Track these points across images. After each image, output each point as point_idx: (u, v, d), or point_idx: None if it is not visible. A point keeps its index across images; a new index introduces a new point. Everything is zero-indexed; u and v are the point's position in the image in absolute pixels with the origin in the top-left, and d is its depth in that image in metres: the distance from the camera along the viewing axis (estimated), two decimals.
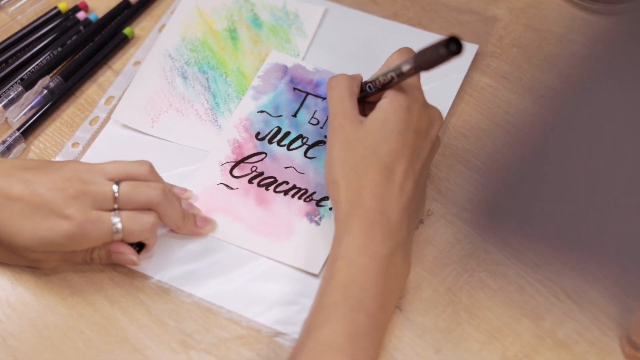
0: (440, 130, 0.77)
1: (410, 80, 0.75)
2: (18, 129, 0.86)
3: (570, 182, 0.61)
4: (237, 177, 0.82)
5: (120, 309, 0.76)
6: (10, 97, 0.87)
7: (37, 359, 0.74)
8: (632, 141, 0.60)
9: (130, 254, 0.75)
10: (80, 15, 0.96)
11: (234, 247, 0.79)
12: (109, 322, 0.75)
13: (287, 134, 0.85)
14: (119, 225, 0.73)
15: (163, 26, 0.95)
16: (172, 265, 0.78)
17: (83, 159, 0.85)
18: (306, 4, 0.96)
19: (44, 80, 0.89)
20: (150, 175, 0.76)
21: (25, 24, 0.95)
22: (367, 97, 0.78)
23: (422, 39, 0.91)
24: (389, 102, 0.75)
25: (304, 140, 0.84)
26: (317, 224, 0.80)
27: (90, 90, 0.91)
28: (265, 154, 0.84)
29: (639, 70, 0.61)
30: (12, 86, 0.89)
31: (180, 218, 0.77)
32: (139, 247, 0.76)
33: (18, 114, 0.87)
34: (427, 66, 0.72)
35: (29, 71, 0.90)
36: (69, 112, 0.89)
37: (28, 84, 0.88)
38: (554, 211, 0.62)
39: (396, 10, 0.96)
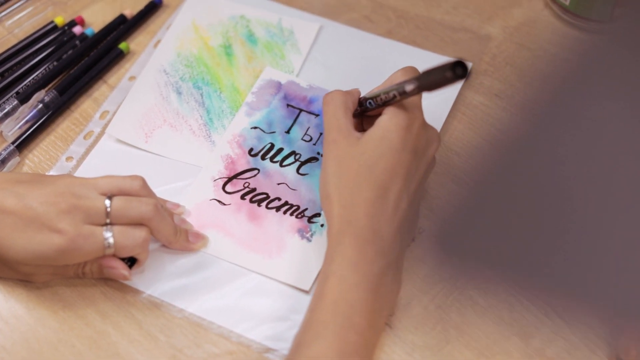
0: (437, 151, 0.78)
1: (412, 99, 0.75)
2: (13, 143, 0.86)
3: (560, 200, 0.61)
4: (229, 193, 0.83)
5: (112, 323, 0.76)
6: (6, 110, 0.88)
7: None
8: (625, 161, 0.60)
9: (121, 268, 0.75)
10: (77, 29, 0.96)
11: (226, 262, 0.79)
12: (100, 336, 0.75)
13: (280, 150, 0.85)
14: (111, 240, 0.73)
15: (159, 41, 0.95)
16: (163, 280, 0.78)
17: (77, 173, 0.85)
18: (301, 21, 0.96)
19: (39, 94, 0.90)
20: (143, 190, 0.76)
21: (22, 37, 0.96)
22: (367, 112, 0.79)
23: (416, 57, 0.93)
24: (389, 119, 0.75)
25: (297, 157, 0.85)
26: (309, 240, 0.80)
27: (85, 105, 0.91)
28: (258, 170, 0.84)
29: (633, 89, 0.61)
30: (7, 100, 0.89)
31: (172, 233, 0.77)
32: (131, 261, 0.76)
33: (13, 128, 0.87)
34: (430, 87, 0.72)
35: (25, 85, 0.91)
36: (63, 126, 0.89)
37: (23, 98, 0.89)
38: (542, 230, 0.62)
39: (391, 28, 0.96)
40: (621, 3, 0.90)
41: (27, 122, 0.88)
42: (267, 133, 0.87)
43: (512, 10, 0.98)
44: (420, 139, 0.75)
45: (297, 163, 0.84)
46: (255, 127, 0.87)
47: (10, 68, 0.93)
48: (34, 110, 0.89)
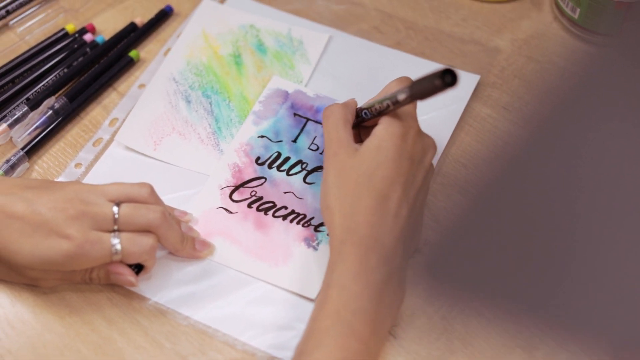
0: (433, 158, 0.78)
1: (406, 108, 0.76)
2: (22, 149, 0.87)
3: (566, 217, 0.61)
4: (236, 201, 0.83)
5: (117, 330, 0.76)
6: (16, 116, 0.88)
7: None
8: (634, 177, 0.60)
9: (128, 275, 0.76)
10: (88, 37, 0.97)
11: (232, 270, 0.79)
12: (106, 342, 0.76)
13: (287, 159, 0.86)
14: (118, 247, 0.74)
15: (169, 50, 0.96)
16: (169, 287, 0.78)
17: (85, 180, 0.86)
18: (311, 31, 0.97)
19: (50, 101, 0.90)
20: (151, 197, 0.77)
21: (33, 44, 0.96)
22: (363, 122, 0.79)
23: (424, 68, 0.92)
24: (384, 129, 0.75)
25: (304, 166, 0.85)
26: (315, 249, 0.80)
27: (94, 112, 0.92)
28: (265, 178, 0.84)
29: None
30: (17, 106, 0.90)
31: (179, 241, 0.78)
32: (138, 268, 0.76)
33: (23, 134, 0.88)
34: (421, 96, 0.73)
35: (35, 91, 0.91)
36: (73, 132, 0.90)
37: (33, 104, 0.90)
38: (549, 244, 0.62)
39: (400, 39, 0.97)
40: (630, 17, 0.91)
41: (36, 128, 0.89)
42: (274, 142, 0.87)
43: (521, 23, 0.98)
44: (417, 147, 0.76)
45: (304, 172, 0.85)
46: (262, 136, 0.87)
47: (21, 74, 0.93)
48: (44, 117, 0.89)
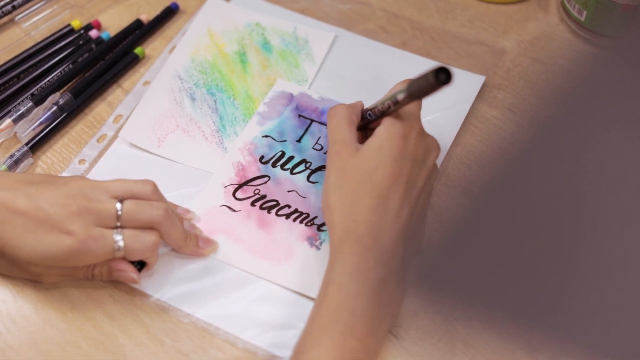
0: (437, 159, 0.78)
1: (409, 109, 0.76)
2: (26, 144, 0.87)
3: (571, 216, 0.61)
4: (239, 200, 0.83)
5: (119, 326, 0.76)
6: (20, 112, 0.88)
7: None
8: (638, 178, 0.60)
9: (130, 271, 0.76)
10: (93, 33, 0.97)
11: (234, 268, 0.79)
12: (107, 339, 0.76)
13: (291, 158, 0.86)
14: (121, 243, 0.74)
15: (174, 47, 0.96)
16: (172, 284, 0.78)
17: (89, 176, 0.86)
18: (316, 30, 0.96)
19: (54, 97, 0.90)
20: (154, 194, 0.77)
21: (39, 40, 0.96)
22: (369, 124, 0.79)
23: None
24: (385, 129, 0.75)
25: (307, 165, 0.85)
26: (318, 248, 0.80)
27: (99, 108, 0.92)
28: (269, 177, 0.84)
29: None
30: (22, 101, 0.90)
31: (182, 238, 0.78)
32: (140, 265, 0.76)
33: (27, 129, 0.88)
34: (418, 95, 0.73)
35: (40, 87, 0.91)
36: (77, 128, 0.90)
37: (38, 100, 0.90)
38: (553, 246, 0.62)
39: (406, 40, 0.97)
40: (636, 20, 0.90)
41: (41, 123, 0.89)
42: (279, 141, 0.87)
43: (527, 24, 0.98)
44: (419, 147, 0.76)
45: (308, 171, 0.85)
46: (266, 136, 0.87)
47: (26, 70, 0.93)
48: (49, 112, 0.89)
